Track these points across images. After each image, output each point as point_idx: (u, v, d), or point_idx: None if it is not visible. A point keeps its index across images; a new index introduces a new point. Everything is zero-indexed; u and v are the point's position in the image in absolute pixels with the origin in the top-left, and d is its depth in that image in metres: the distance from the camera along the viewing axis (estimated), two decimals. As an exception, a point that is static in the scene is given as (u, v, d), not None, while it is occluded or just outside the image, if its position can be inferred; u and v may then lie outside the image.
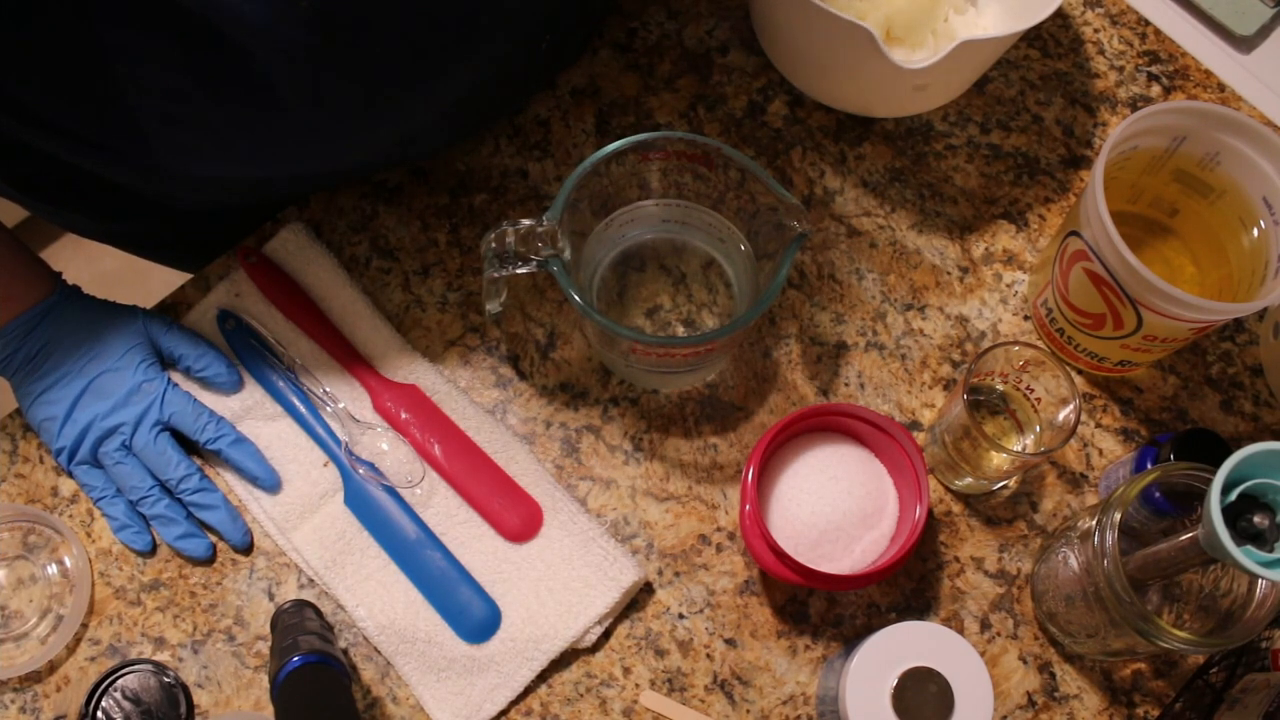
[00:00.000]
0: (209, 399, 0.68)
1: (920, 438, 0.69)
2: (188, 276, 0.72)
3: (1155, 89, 0.78)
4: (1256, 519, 0.49)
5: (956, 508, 0.68)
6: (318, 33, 0.52)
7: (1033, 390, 0.64)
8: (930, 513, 0.67)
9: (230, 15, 0.50)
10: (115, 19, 0.50)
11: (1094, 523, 0.56)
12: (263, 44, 0.52)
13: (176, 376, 0.68)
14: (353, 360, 0.69)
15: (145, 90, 0.54)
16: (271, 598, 0.66)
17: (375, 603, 0.65)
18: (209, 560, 0.66)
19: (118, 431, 0.64)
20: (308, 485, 0.67)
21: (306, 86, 0.56)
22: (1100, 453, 0.69)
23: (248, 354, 0.69)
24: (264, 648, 0.65)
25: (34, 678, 0.64)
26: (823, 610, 0.66)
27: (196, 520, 0.66)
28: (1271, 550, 0.49)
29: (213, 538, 0.66)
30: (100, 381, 0.65)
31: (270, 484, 0.66)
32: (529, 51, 0.66)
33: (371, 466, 0.67)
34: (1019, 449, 0.66)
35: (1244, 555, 0.48)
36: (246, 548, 0.66)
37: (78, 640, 0.65)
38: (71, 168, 0.64)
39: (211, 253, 0.73)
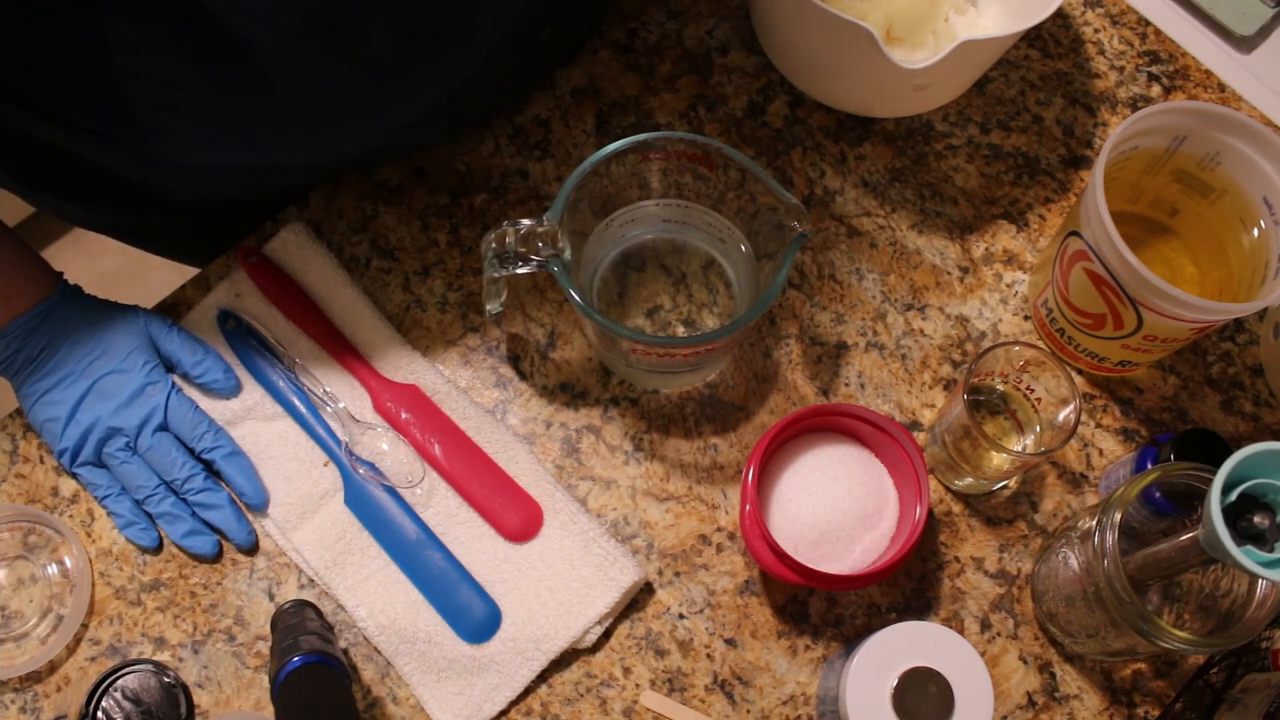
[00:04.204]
0: (209, 398, 0.68)
1: (920, 438, 0.69)
2: (188, 276, 0.72)
3: (1155, 89, 0.78)
4: (1256, 519, 0.49)
5: (956, 508, 0.68)
6: (316, 20, 0.53)
7: (1033, 390, 0.64)
8: (930, 513, 0.67)
9: (229, 2, 0.50)
10: (115, 6, 0.50)
11: (1094, 523, 0.56)
12: (261, 30, 0.52)
13: (178, 379, 0.68)
14: (353, 360, 0.69)
15: (143, 77, 0.54)
16: (271, 598, 0.66)
17: (375, 603, 0.65)
18: (215, 558, 0.66)
19: (121, 433, 0.64)
20: (308, 485, 0.67)
21: (304, 73, 0.56)
22: (1100, 453, 0.69)
23: (248, 354, 0.69)
24: (264, 648, 0.65)
25: (34, 678, 0.64)
26: (823, 610, 0.66)
27: (202, 518, 0.66)
28: (1271, 550, 0.49)
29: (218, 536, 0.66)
30: (104, 383, 0.65)
31: (257, 503, 0.66)
32: (527, 42, 0.66)
33: (372, 466, 0.67)
34: (1019, 449, 0.66)
35: (1244, 555, 0.48)
36: (252, 547, 0.66)
37: (78, 640, 0.65)
38: (71, 157, 0.64)
39: (212, 248, 0.73)
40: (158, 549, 0.66)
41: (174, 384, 0.67)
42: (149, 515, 0.66)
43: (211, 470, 0.66)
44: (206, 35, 0.52)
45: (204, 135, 0.60)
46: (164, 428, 0.65)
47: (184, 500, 0.66)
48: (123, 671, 0.59)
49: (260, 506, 0.66)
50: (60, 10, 0.50)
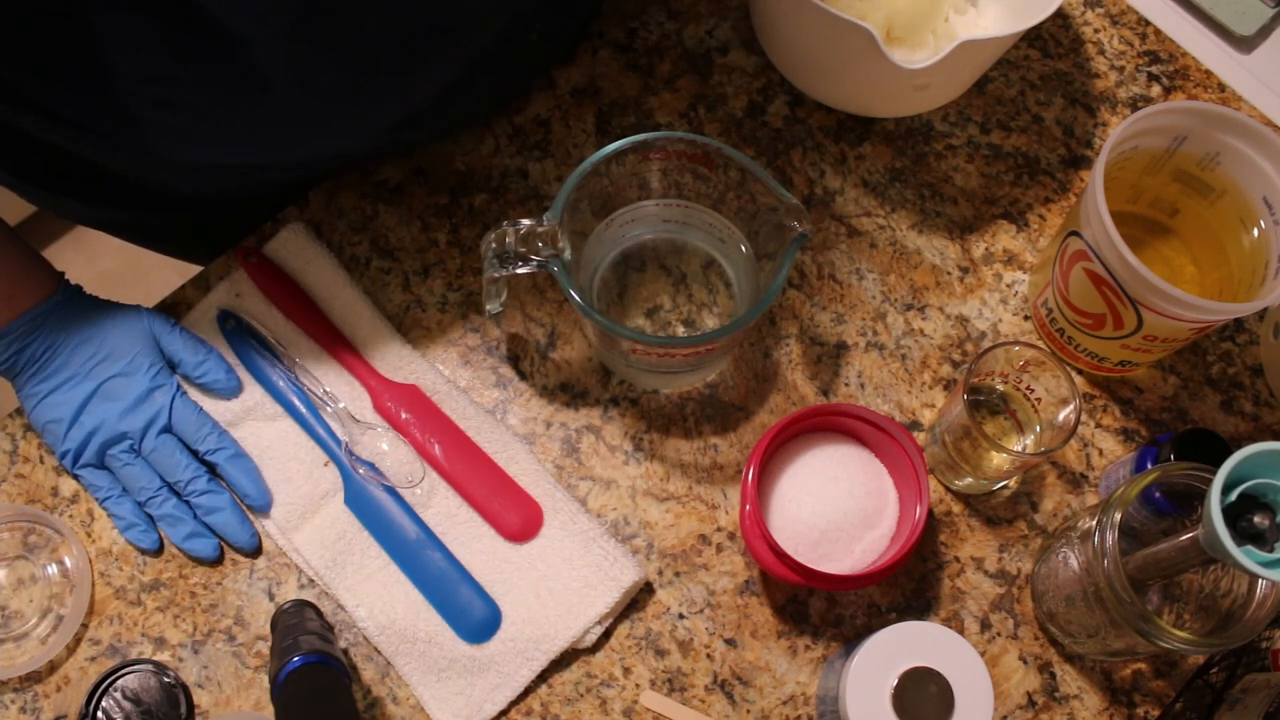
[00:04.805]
0: (211, 399, 0.68)
1: (920, 438, 0.69)
2: (188, 276, 0.72)
3: (1155, 89, 0.78)
4: (1256, 519, 0.49)
5: (956, 508, 0.68)
6: (306, 17, 0.53)
7: (1033, 390, 0.64)
8: (930, 513, 0.67)
9: (224, 0, 0.50)
10: (110, 3, 0.50)
11: (1094, 523, 0.56)
12: (255, 28, 0.52)
13: (179, 380, 0.68)
14: (353, 360, 0.69)
15: (136, 75, 0.54)
16: (271, 598, 0.66)
17: (375, 603, 0.65)
18: (216, 560, 0.66)
19: (126, 436, 0.64)
20: (308, 485, 0.67)
21: (298, 71, 0.56)
22: (1100, 453, 0.69)
23: (248, 354, 0.69)
24: (264, 648, 0.65)
25: (34, 678, 0.64)
26: (823, 610, 0.66)
27: (204, 521, 0.66)
28: (1271, 550, 0.49)
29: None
30: (109, 386, 0.65)
31: (260, 504, 0.66)
32: (519, 40, 0.66)
33: (372, 466, 0.67)
34: (1019, 449, 0.66)
35: (1244, 555, 0.48)
36: (254, 550, 0.66)
37: (78, 640, 0.65)
38: (67, 154, 0.64)
39: (211, 245, 0.73)
40: (158, 551, 0.66)
41: (179, 386, 0.67)
42: (150, 517, 0.66)
43: (215, 473, 0.66)
44: (201, 33, 0.52)
45: (199, 133, 0.60)
46: (168, 429, 0.65)
47: (186, 502, 0.66)
48: (123, 671, 0.59)
49: (263, 508, 0.66)
50: (56, 8, 0.50)
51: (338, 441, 0.67)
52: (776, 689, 0.65)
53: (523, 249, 0.58)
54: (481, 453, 0.67)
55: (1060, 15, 0.79)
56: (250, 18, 0.51)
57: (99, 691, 0.58)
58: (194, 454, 0.66)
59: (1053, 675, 0.65)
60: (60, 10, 0.50)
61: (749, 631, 0.65)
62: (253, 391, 0.68)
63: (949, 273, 0.73)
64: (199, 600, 0.66)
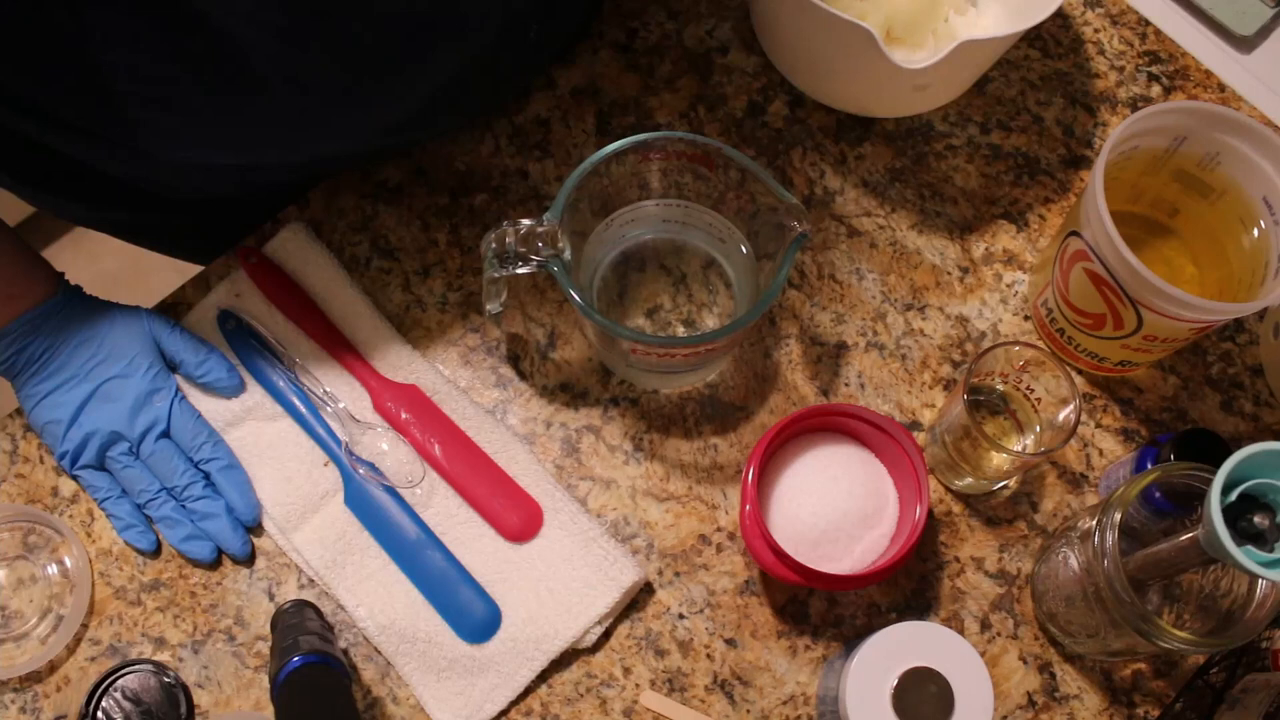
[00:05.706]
0: (209, 398, 0.68)
1: (920, 438, 0.69)
2: (188, 276, 0.72)
3: (1155, 89, 0.78)
4: (1256, 519, 0.49)
5: (956, 508, 0.68)
6: (300, 16, 0.52)
7: (1033, 390, 0.64)
8: (930, 513, 0.67)
9: None
10: (101, 2, 0.50)
11: (1094, 523, 0.56)
12: (246, 26, 0.52)
13: (181, 379, 0.68)
14: (353, 360, 0.69)
15: (131, 74, 0.54)
16: (271, 598, 0.66)
17: (375, 603, 0.65)
18: (213, 563, 0.66)
19: (124, 439, 0.64)
20: (308, 485, 0.67)
21: (289, 70, 0.56)
22: (1100, 453, 0.69)
23: (248, 354, 0.69)
24: (264, 648, 0.65)
25: (34, 678, 0.64)
26: (823, 610, 0.66)
27: (199, 526, 0.66)
28: (1271, 550, 0.49)
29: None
30: (108, 387, 0.65)
31: (249, 518, 0.65)
32: (517, 39, 0.66)
33: (372, 466, 0.67)
34: (1019, 449, 0.66)
35: (1244, 555, 0.48)
36: (247, 558, 0.66)
37: (78, 640, 0.65)
38: (65, 156, 0.64)
39: (211, 245, 0.73)
40: (155, 552, 0.66)
41: (178, 390, 0.67)
42: (148, 518, 0.66)
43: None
44: (194, 33, 0.52)
45: (195, 133, 0.60)
46: (166, 435, 0.65)
47: (184, 505, 0.65)
48: (123, 671, 0.59)
49: (251, 521, 0.66)
50: (47, 6, 0.50)
51: (338, 441, 0.67)
52: (776, 689, 0.65)
53: (523, 249, 0.58)
54: (481, 453, 0.67)
55: (1060, 15, 0.79)
56: (241, 16, 0.51)
57: (99, 691, 0.58)
58: (192, 460, 0.66)
59: (1053, 675, 0.65)
60: (52, 10, 0.50)
61: (749, 631, 0.65)
62: (253, 391, 0.68)
63: (949, 273, 0.73)
64: (199, 600, 0.66)
